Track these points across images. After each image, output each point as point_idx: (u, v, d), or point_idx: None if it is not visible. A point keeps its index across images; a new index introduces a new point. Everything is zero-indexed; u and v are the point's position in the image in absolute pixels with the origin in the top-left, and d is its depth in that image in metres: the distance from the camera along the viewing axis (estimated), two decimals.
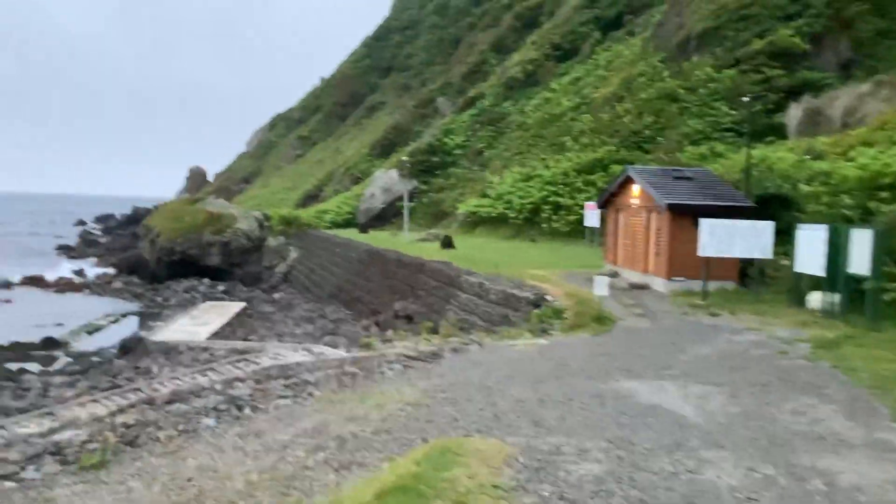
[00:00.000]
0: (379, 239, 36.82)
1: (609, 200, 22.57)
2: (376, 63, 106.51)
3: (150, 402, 15.70)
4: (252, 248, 48.38)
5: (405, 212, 40.49)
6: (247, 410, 9.61)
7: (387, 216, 50.40)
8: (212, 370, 19.39)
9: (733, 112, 33.41)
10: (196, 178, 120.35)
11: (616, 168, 33.08)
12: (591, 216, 29.45)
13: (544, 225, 35.17)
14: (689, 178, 19.49)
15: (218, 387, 15.77)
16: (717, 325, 14.50)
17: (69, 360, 26.41)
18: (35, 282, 47.58)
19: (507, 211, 38.27)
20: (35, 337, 29.29)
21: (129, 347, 27.33)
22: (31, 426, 15.86)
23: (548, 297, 16.97)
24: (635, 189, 20.26)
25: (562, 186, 35.74)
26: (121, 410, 15.10)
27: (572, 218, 33.81)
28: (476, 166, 51.07)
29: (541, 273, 20.73)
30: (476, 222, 41.18)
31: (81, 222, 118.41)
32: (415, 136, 65.56)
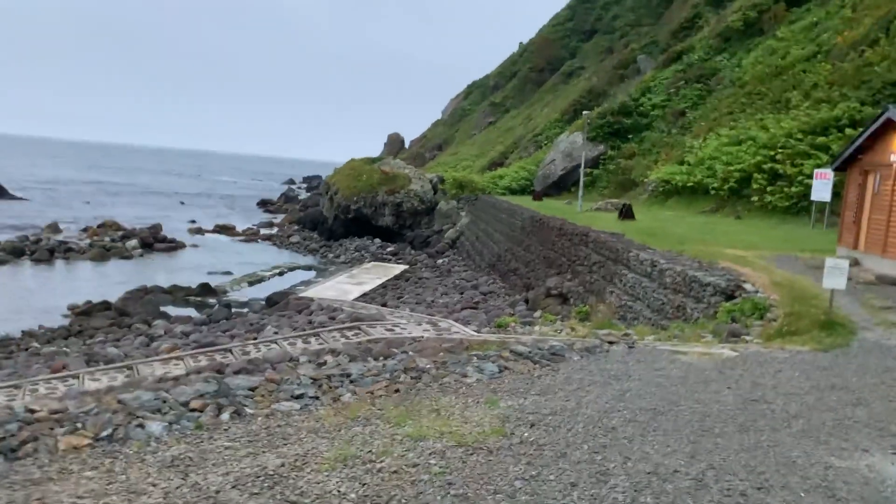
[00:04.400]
0: (551, 207, 32.51)
1: (853, 159, 16.14)
2: (579, 26, 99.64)
3: (219, 370, 13.29)
4: (424, 210, 46.61)
5: (580, 179, 35.42)
6: (225, 416, 6.27)
7: (565, 184, 45.42)
8: (315, 336, 16.80)
9: None
10: (393, 144, 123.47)
11: (853, 133, 25.28)
12: (822, 187, 22.57)
13: (755, 198, 28.32)
14: None
15: (304, 358, 12.91)
16: None
17: (215, 307, 25.95)
18: (225, 230, 50.20)
19: (707, 180, 31.72)
20: (200, 282, 29.53)
21: (275, 301, 26.37)
22: (103, 380, 14.07)
23: (746, 286, 11.79)
24: None
25: (782, 151, 28.36)
26: (185, 374, 12.69)
27: (794, 190, 26.68)
28: (676, 129, 43.99)
29: (741, 254, 15.30)
30: (668, 193, 35.00)
31: (290, 181, 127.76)
32: (610, 100, 59.24)
